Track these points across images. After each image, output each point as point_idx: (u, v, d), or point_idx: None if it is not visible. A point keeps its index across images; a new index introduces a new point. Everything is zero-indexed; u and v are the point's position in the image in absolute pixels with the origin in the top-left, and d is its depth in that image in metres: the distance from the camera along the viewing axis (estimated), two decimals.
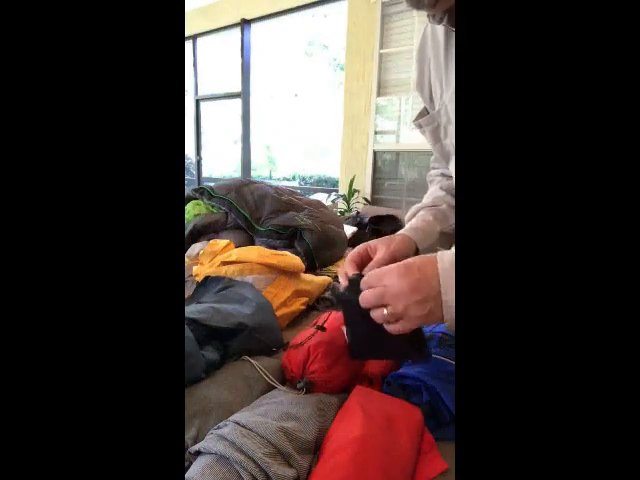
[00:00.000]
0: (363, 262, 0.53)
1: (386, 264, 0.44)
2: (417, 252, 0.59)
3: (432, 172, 0.75)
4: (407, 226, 0.63)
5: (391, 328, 0.41)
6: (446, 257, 0.39)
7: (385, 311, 0.41)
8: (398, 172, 3.21)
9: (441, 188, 0.70)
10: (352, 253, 0.54)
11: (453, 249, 0.39)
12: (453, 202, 0.67)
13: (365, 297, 0.42)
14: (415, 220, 0.65)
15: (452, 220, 0.65)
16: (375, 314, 0.42)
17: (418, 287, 0.38)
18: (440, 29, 0.56)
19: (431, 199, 0.69)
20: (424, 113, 0.64)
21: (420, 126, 0.65)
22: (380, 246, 0.54)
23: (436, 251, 0.56)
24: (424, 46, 0.62)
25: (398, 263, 0.41)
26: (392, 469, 0.41)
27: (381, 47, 3.09)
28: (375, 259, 0.52)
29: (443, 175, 0.72)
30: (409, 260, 0.41)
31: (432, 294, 0.38)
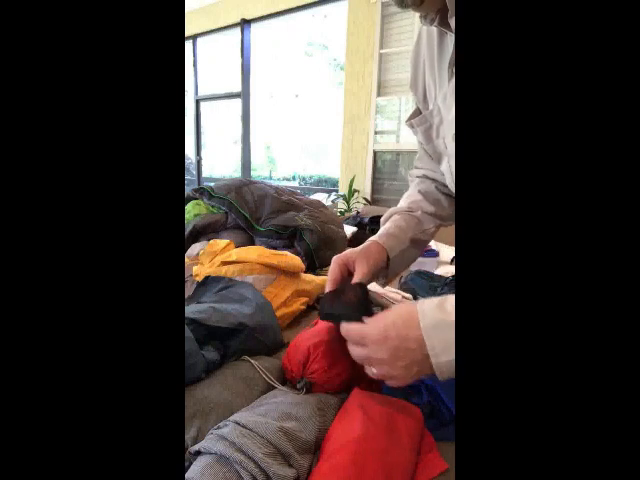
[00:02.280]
0: (344, 280, 0.54)
1: (366, 280, 0.48)
2: (388, 259, 0.59)
3: (414, 172, 0.74)
4: (381, 230, 0.63)
5: (388, 383, 0.42)
6: (428, 313, 0.37)
7: (374, 370, 0.42)
8: (398, 172, 3.21)
9: (419, 192, 0.69)
10: (332, 271, 0.54)
11: (435, 299, 0.37)
12: (428, 208, 0.67)
13: (353, 354, 0.44)
14: (389, 224, 0.65)
15: (425, 226, 0.66)
16: (366, 370, 0.43)
17: (398, 355, 0.38)
18: (434, 30, 0.56)
19: (407, 203, 0.69)
20: (417, 113, 0.65)
21: (412, 126, 0.65)
22: (359, 261, 0.54)
23: (406, 258, 0.60)
24: (418, 46, 0.63)
25: (378, 325, 0.40)
26: (392, 469, 0.41)
27: (381, 47, 3.10)
28: (356, 277, 0.53)
29: (425, 177, 0.71)
30: (387, 322, 0.39)
31: (416, 358, 0.37)
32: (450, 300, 0.36)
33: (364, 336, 0.41)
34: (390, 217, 0.68)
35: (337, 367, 0.54)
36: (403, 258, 0.61)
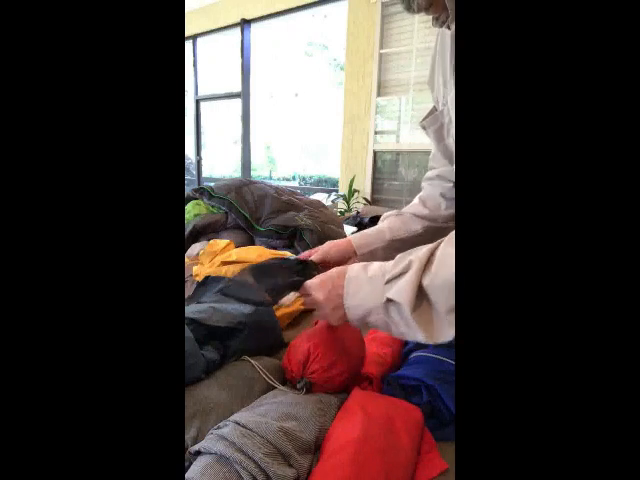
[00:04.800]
0: None
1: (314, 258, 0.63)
2: (356, 254, 0.68)
3: (429, 173, 0.75)
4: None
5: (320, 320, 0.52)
6: (355, 267, 0.47)
7: (317, 312, 0.53)
8: (398, 172, 3.21)
9: (419, 197, 0.74)
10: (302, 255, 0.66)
11: (364, 263, 0.48)
12: (421, 211, 0.71)
13: (306, 302, 0.55)
14: (378, 225, 0.72)
15: (411, 227, 0.70)
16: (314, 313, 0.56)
17: (329, 298, 0.48)
18: (447, 32, 0.57)
19: (406, 207, 0.74)
20: (432, 113, 0.66)
21: (424, 127, 0.66)
22: (322, 249, 0.65)
23: (380, 256, 0.68)
24: (436, 48, 0.65)
25: (320, 277, 0.51)
26: (392, 469, 0.41)
27: (381, 47, 3.09)
28: (303, 254, 0.66)
29: (438, 177, 0.72)
30: (327, 274, 0.51)
31: (340, 302, 0.47)
32: (374, 264, 0.46)
33: (309, 285, 0.52)
34: (385, 219, 0.73)
35: (337, 367, 0.54)
36: (375, 256, 0.68)
